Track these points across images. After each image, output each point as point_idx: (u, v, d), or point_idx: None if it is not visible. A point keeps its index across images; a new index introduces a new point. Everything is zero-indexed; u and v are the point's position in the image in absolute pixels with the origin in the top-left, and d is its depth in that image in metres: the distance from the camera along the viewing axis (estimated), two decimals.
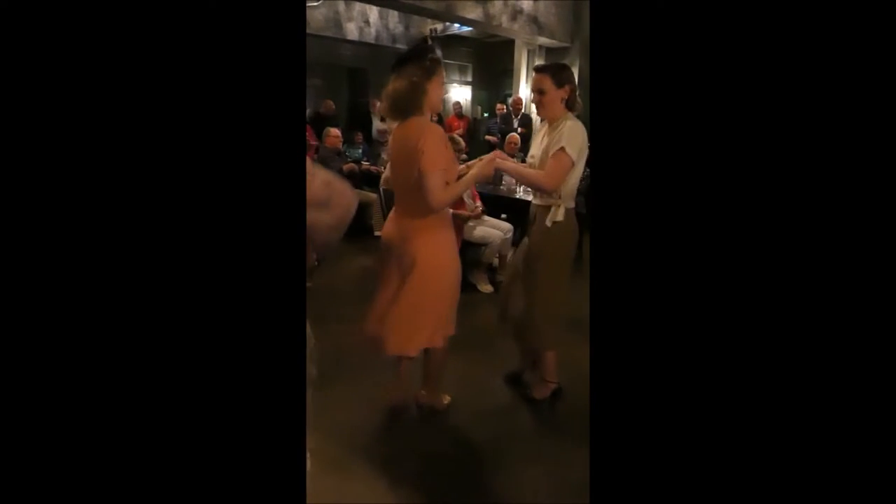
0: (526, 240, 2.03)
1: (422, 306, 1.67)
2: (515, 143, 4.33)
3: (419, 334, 1.70)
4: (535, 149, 1.91)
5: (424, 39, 1.74)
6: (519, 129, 5.44)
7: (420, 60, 1.58)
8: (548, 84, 1.76)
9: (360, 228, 4.63)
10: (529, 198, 3.67)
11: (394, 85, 1.60)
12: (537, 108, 1.87)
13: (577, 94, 1.82)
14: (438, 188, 1.55)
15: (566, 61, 5.71)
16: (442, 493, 1.59)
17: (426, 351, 1.82)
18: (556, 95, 1.77)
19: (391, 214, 1.80)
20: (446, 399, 2.06)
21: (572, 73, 1.83)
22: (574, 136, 1.73)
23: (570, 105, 1.81)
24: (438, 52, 1.73)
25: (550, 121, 1.83)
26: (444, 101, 8.47)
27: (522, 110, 5.98)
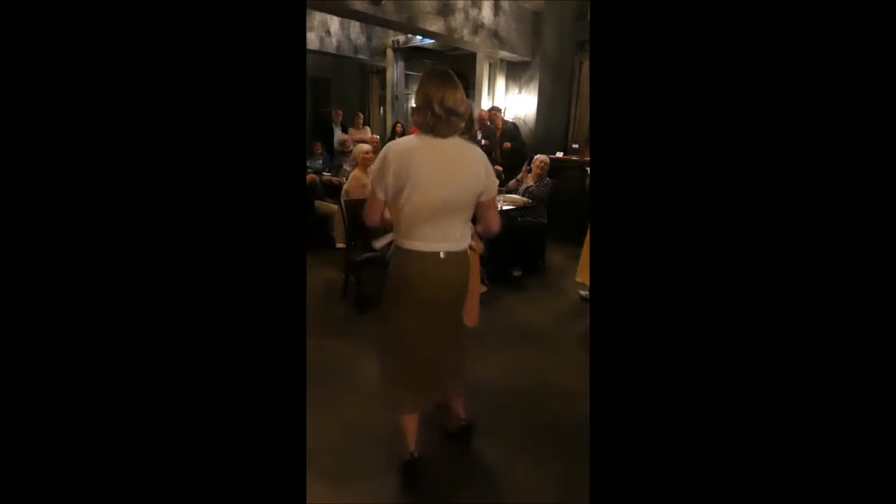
0: None
1: None
2: None
3: None
4: None
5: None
6: (483, 141, 5.51)
7: None
8: None
9: (321, 241, 4.55)
10: (506, 206, 3.69)
11: None
12: None
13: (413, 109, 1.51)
14: None
15: (526, 76, 5.83)
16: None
17: None
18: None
19: None
20: None
21: (421, 89, 1.42)
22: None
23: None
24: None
25: None
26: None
27: (487, 122, 6.06)
